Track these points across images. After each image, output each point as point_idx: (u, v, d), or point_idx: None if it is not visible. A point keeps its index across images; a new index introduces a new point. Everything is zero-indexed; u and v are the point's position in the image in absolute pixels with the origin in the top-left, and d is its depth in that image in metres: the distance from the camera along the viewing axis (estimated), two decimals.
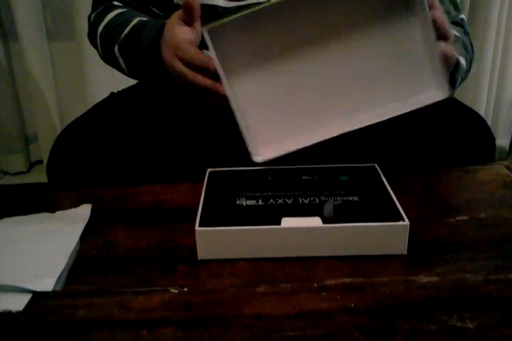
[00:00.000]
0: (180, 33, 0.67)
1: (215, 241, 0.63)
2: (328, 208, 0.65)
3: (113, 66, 0.87)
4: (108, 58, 0.87)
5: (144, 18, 0.81)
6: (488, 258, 0.61)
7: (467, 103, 0.91)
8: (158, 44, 0.72)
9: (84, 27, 1.04)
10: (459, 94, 1.02)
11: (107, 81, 1.70)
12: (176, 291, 0.58)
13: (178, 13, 0.68)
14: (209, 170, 0.77)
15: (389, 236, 0.62)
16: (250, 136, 0.71)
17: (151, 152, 0.88)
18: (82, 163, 0.85)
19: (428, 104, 0.69)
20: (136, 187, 0.81)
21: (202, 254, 0.63)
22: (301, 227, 0.62)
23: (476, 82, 1.86)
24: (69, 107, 1.90)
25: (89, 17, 0.94)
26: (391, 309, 0.54)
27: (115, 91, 1.00)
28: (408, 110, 0.69)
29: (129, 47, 0.80)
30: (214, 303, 0.56)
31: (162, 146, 0.89)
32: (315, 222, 0.63)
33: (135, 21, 0.80)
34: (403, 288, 0.57)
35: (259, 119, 0.72)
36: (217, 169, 0.77)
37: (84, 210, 0.74)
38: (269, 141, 0.73)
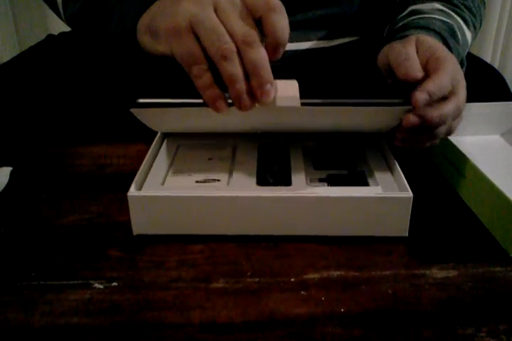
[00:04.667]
0: None
1: (154, 212, 0.47)
2: None
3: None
4: None
5: None
6: None
7: None
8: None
9: None
10: None
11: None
12: (101, 286, 0.42)
13: None
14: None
15: (385, 211, 0.47)
16: None
17: (94, 105, 0.71)
18: (9, 116, 0.68)
19: None
20: (72, 148, 0.64)
21: (137, 228, 0.48)
22: (273, 197, 0.47)
23: None
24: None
25: None
26: (395, 317, 0.39)
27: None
28: None
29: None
30: (151, 305, 0.40)
31: (108, 99, 0.71)
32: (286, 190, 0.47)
33: None
34: (410, 285, 0.42)
35: None
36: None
37: (2, 174, 0.58)
38: None
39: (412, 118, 0.45)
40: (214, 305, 0.40)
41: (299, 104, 0.45)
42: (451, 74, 0.47)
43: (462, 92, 0.49)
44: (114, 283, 0.43)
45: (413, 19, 0.60)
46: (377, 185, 0.50)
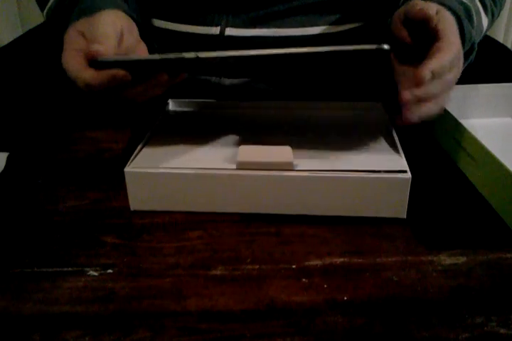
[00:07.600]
0: None
1: (151, 188, 0.47)
2: None
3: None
4: None
5: None
6: None
7: None
8: None
9: None
10: None
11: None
12: (95, 274, 0.41)
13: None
14: (171, 100, 0.62)
15: (383, 192, 0.46)
16: None
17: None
18: (6, 100, 0.67)
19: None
20: (70, 132, 0.63)
21: (134, 204, 0.48)
22: (273, 175, 0.46)
23: None
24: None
25: None
26: (400, 305, 0.38)
27: None
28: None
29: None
30: (146, 293, 0.39)
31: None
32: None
33: None
34: (417, 272, 0.41)
35: None
36: (179, 99, 0.62)
37: None
38: None
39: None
40: (212, 292, 0.39)
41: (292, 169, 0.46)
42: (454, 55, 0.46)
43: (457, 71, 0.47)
44: (110, 270, 0.41)
45: None
46: (377, 165, 0.48)
